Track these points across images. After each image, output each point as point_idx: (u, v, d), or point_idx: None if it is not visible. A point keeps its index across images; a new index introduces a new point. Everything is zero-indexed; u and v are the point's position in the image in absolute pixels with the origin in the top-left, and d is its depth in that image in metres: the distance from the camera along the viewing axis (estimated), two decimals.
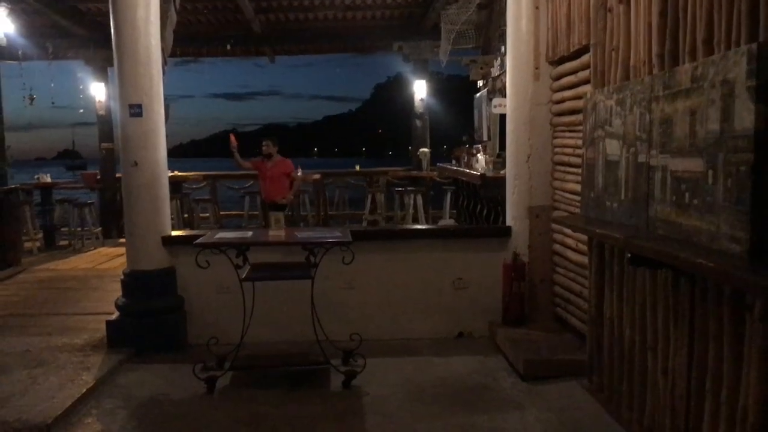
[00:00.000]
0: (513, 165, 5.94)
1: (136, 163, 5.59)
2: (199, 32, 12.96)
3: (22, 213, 11.25)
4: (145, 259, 5.70)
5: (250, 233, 5.00)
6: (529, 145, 5.77)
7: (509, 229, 5.94)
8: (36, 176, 12.23)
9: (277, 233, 4.85)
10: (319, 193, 13.12)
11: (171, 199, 11.77)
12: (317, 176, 12.36)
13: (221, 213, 13.48)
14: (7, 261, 9.49)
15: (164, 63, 5.91)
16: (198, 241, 4.73)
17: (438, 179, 12.14)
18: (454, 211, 11.16)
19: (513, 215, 5.96)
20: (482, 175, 7.20)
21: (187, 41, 12.94)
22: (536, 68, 5.71)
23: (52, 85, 13.47)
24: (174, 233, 5.86)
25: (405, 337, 5.89)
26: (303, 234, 5.02)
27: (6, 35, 10.14)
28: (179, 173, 12.50)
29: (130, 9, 5.50)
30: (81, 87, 13.17)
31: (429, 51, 12.79)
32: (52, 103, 13.03)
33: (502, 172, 6.72)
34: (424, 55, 13.05)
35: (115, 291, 6.09)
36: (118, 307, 5.76)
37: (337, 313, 5.64)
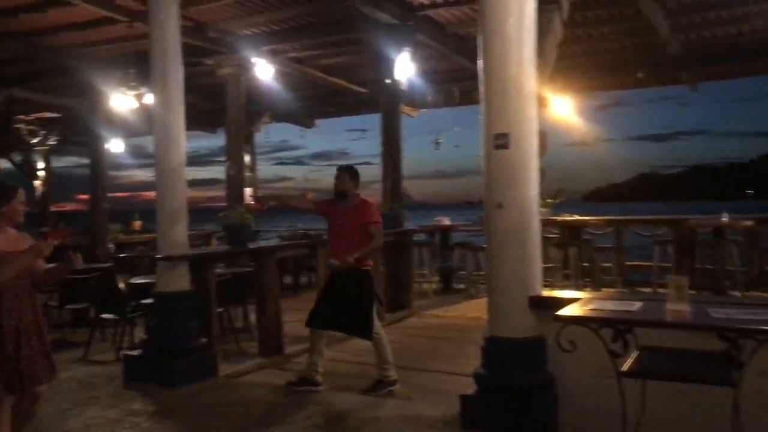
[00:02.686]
0: None
1: (500, 205, 4.55)
2: (604, 62, 11.65)
3: (420, 255, 11.31)
4: (508, 324, 4.58)
5: (636, 305, 3.50)
6: None
7: None
8: (436, 219, 12.30)
9: (677, 308, 3.27)
10: (753, 245, 10.51)
11: (569, 245, 10.79)
12: (749, 223, 9.86)
13: (626, 263, 11.79)
14: (399, 303, 9.41)
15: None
16: (560, 313, 3.42)
17: None
18: None
19: None
20: None
21: (591, 73, 11.80)
22: None
23: (457, 129, 13.66)
24: (545, 293, 4.65)
25: None
26: (720, 312, 3.30)
27: (410, 80, 10.32)
28: (579, 217, 11.26)
29: (499, 17, 4.54)
30: None
31: None
32: (456, 146, 13.14)
33: None
34: None
35: None
36: (475, 378, 4.75)
37: None
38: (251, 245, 7.02)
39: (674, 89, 12.85)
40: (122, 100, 11.32)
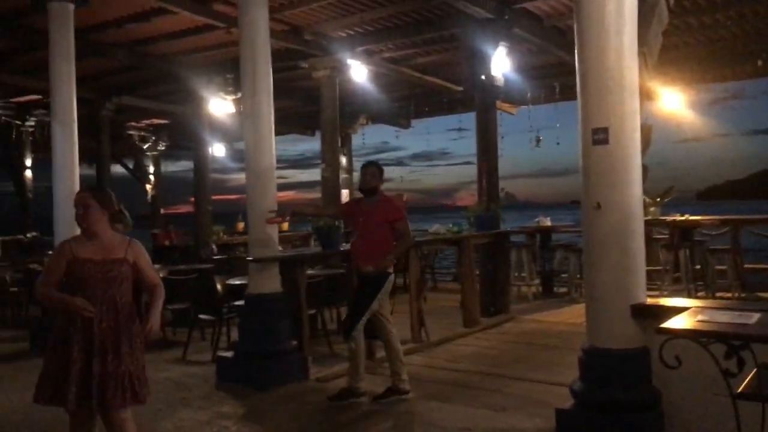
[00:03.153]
0: None
1: (598, 205, 4.23)
2: (718, 52, 10.87)
3: (519, 257, 10.95)
4: (608, 334, 4.25)
5: (755, 317, 3.09)
6: None
7: None
8: (536, 219, 11.88)
9: None
10: None
11: (680, 247, 10.12)
12: None
13: (744, 266, 10.93)
14: (496, 308, 9.11)
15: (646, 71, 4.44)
16: (665, 325, 3.08)
17: None
18: None
19: None
20: None
21: (704, 64, 11.06)
22: None
23: (558, 125, 13.16)
24: (649, 301, 4.27)
25: None
26: None
27: (507, 76, 10.00)
28: (690, 217, 10.55)
29: (596, 3, 4.22)
30: None
31: None
32: (557, 143, 12.66)
33: None
34: None
35: None
36: (572, 391, 4.43)
37: None
38: (343, 247, 6.94)
39: None
40: (221, 105, 11.61)
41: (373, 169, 5.55)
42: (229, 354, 6.14)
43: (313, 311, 7.33)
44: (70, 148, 7.60)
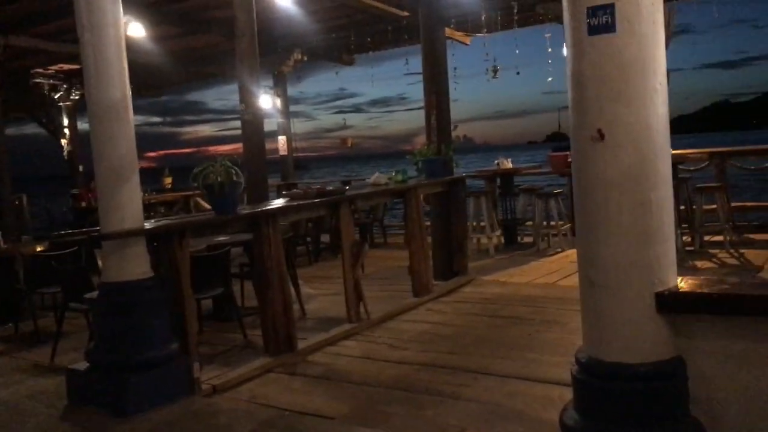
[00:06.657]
0: None
1: (600, 134, 2.61)
2: None
3: (478, 205, 9.44)
4: (618, 340, 2.67)
5: None
6: None
7: None
8: (496, 161, 10.32)
9: None
10: None
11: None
12: None
13: (732, 205, 9.58)
14: (453, 268, 7.57)
15: None
16: None
17: None
18: None
19: None
20: None
21: None
22: None
23: (517, 52, 11.45)
24: (683, 287, 2.69)
25: None
26: None
27: None
28: (673, 151, 9.08)
29: None
30: (549, 51, 10.68)
31: None
32: (517, 73, 11.00)
33: None
34: None
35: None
36: (564, 427, 2.87)
37: None
38: (245, 210, 5.24)
39: None
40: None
41: None
42: (82, 366, 4.42)
43: (219, 291, 5.71)
44: None
